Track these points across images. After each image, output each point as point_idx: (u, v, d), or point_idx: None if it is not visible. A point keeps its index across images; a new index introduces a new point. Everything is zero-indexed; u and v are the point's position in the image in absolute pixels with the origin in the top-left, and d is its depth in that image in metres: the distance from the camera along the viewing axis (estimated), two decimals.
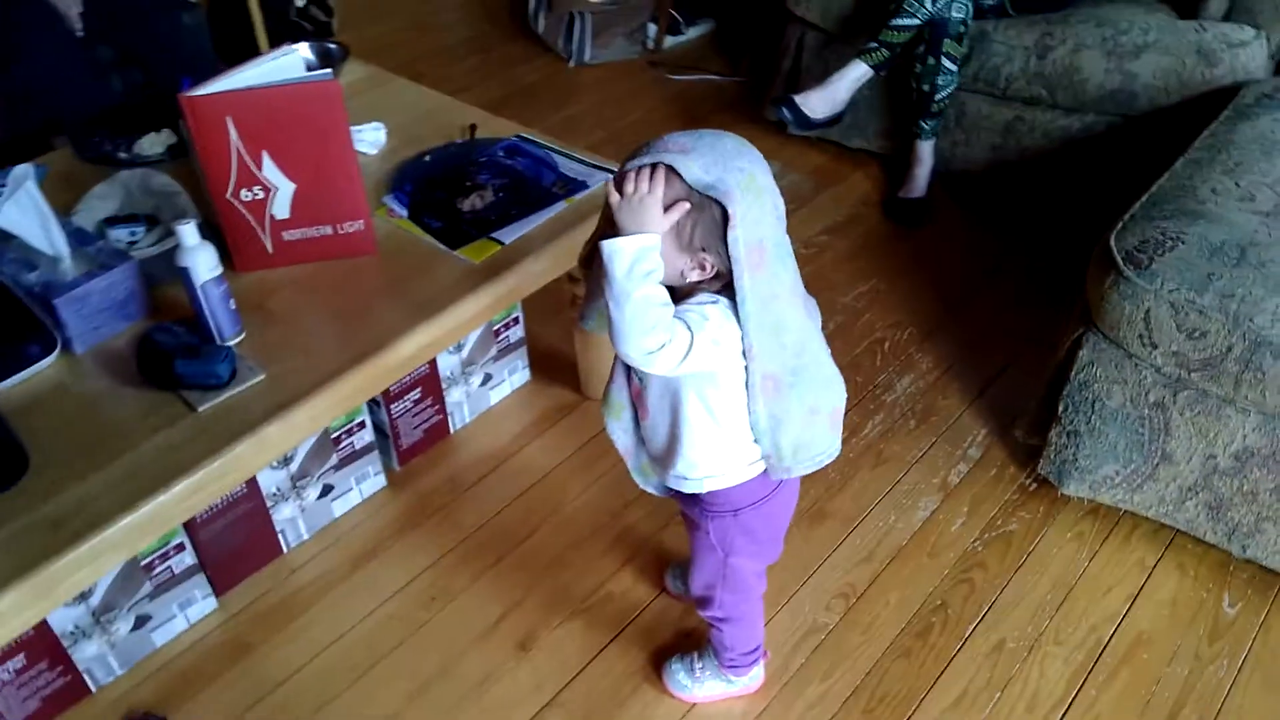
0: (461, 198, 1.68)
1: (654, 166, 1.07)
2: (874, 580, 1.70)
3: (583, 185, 1.73)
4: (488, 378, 1.99)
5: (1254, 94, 2.01)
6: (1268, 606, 1.65)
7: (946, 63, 2.39)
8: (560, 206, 1.69)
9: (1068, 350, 1.73)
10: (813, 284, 1.18)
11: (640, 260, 1.07)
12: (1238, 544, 1.66)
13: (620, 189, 1.08)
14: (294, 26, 3.07)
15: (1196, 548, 1.74)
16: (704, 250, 1.10)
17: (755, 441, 1.21)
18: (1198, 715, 1.50)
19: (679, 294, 1.16)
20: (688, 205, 1.07)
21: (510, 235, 1.63)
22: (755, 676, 1.56)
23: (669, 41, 3.41)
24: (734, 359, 1.16)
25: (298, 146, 1.48)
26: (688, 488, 1.31)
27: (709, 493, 1.29)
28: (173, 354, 1.35)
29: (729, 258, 1.09)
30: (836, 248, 2.48)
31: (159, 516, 1.24)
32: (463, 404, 1.97)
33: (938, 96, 2.45)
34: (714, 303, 1.13)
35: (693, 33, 3.48)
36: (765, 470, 1.28)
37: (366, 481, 1.84)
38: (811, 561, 1.72)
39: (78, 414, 1.34)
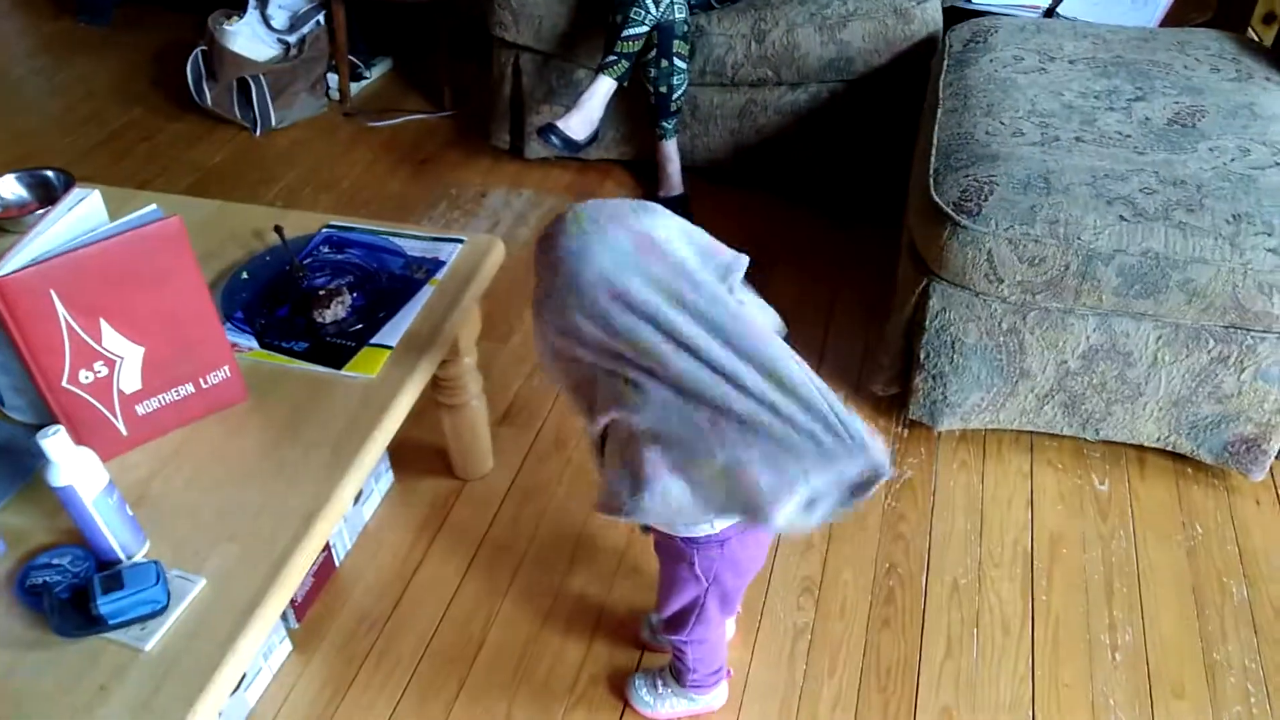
0: (320, 309, 1.48)
1: None
2: (824, 566, 1.75)
3: (438, 263, 1.60)
4: (358, 494, 1.78)
5: (959, 40, 2.27)
6: (1126, 475, 1.91)
7: (678, 62, 2.47)
8: (428, 292, 1.54)
9: (915, 302, 1.87)
10: None
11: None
12: (1091, 430, 1.89)
13: None
14: None
15: (1053, 442, 1.96)
16: None
17: None
18: (1126, 585, 1.71)
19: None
20: None
21: (392, 336, 1.47)
22: (718, 694, 1.56)
23: (355, 88, 3.21)
24: None
25: (141, 303, 1.22)
26: (701, 533, 1.28)
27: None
28: (88, 592, 1.07)
29: None
30: None
31: None
32: (341, 531, 1.76)
33: (674, 96, 2.52)
34: None
35: (375, 74, 3.30)
36: None
37: (272, 654, 1.59)
38: (764, 569, 1.73)
39: None
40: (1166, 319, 1.72)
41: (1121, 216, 1.66)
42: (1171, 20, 2.45)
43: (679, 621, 1.40)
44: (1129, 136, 1.85)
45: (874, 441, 1.03)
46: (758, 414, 1.01)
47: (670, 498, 1.06)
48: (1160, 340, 1.74)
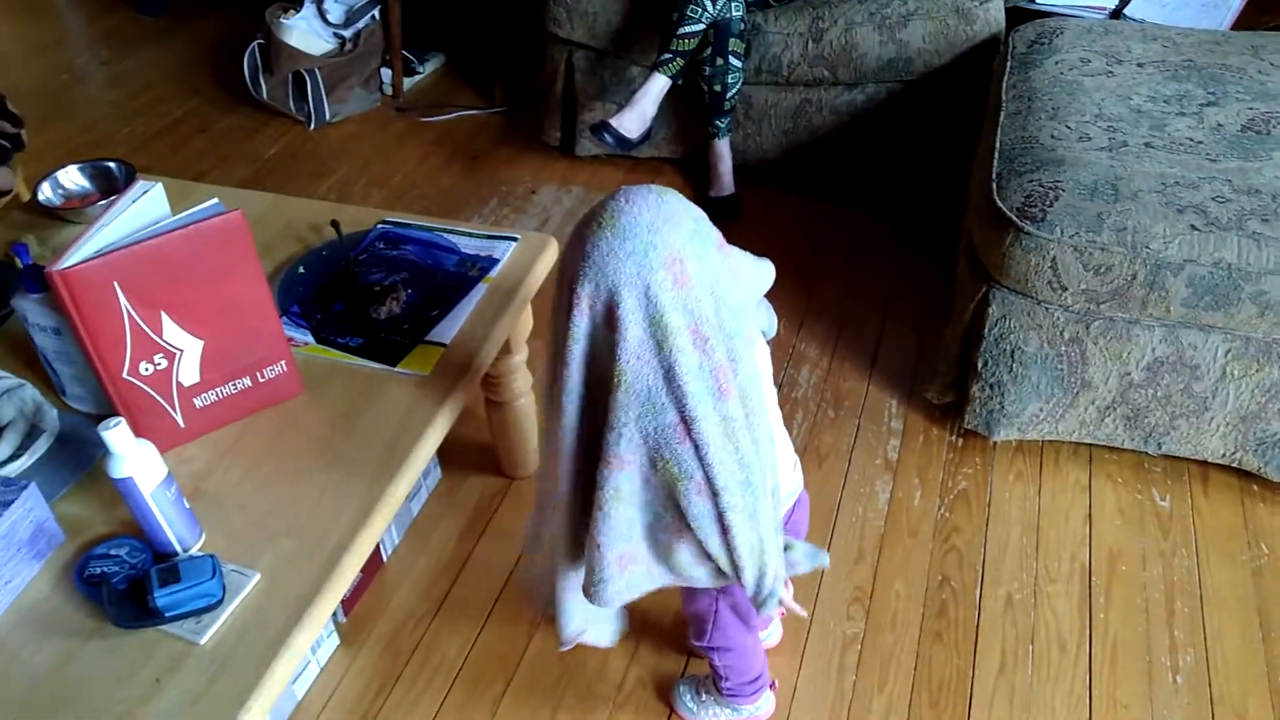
0: (375, 305, 1.48)
1: None
2: (875, 576, 1.72)
3: (492, 261, 1.59)
4: None
5: (1023, 42, 2.22)
6: (1189, 491, 1.85)
7: (733, 61, 2.44)
8: (482, 289, 1.54)
9: (974, 310, 1.83)
10: None
11: None
12: (1153, 444, 1.84)
13: None
14: None
15: (1113, 455, 1.91)
16: None
17: None
18: (1188, 605, 1.66)
19: None
20: None
21: (447, 333, 1.46)
22: (763, 706, 1.54)
23: (408, 83, 3.22)
24: None
25: (202, 297, 1.23)
26: None
27: None
28: (145, 584, 1.08)
29: None
30: None
31: None
32: (390, 527, 1.76)
33: (729, 95, 2.49)
34: None
35: (428, 69, 3.31)
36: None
37: (320, 647, 1.60)
38: (812, 576, 1.71)
39: (38, 694, 1.04)
40: (1237, 332, 1.67)
41: (1192, 225, 1.61)
42: (1243, 23, 2.39)
43: (698, 626, 1.39)
44: (1200, 143, 1.80)
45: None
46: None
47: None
48: (1229, 354, 1.69)
